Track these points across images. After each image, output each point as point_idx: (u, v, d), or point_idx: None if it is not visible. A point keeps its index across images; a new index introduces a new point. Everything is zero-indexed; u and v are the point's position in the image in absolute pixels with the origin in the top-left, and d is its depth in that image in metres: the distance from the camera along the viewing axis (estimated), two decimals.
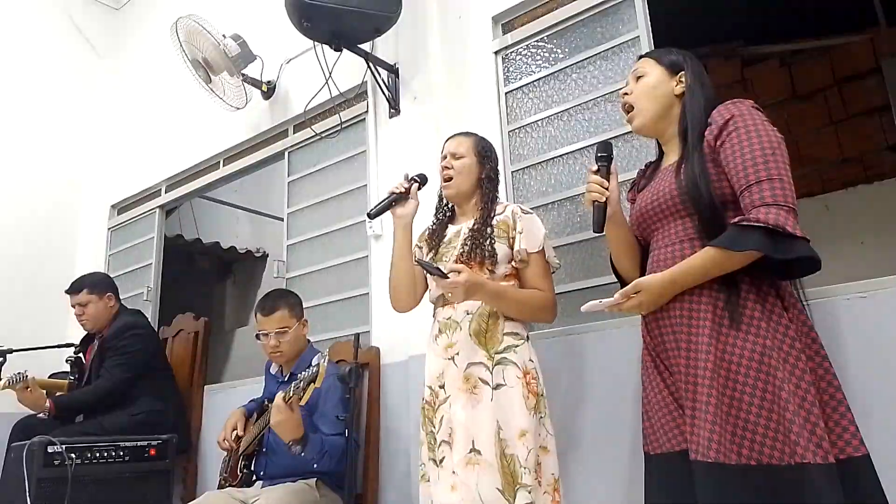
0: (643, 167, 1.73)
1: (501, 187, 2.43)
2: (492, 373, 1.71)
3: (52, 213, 4.37)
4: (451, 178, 1.92)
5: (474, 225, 1.86)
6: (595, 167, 1.55)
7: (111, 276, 4.08)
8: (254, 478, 2.33)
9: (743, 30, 4.23)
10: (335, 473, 2.12)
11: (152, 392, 3.02)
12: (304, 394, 1.90)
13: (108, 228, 4.39)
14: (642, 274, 1.53)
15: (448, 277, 1.64)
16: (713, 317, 1.34)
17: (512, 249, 1.82)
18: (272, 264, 3.35)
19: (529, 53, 2.56)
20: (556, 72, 2.46)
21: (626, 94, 1.60)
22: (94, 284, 3.19)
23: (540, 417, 1.71)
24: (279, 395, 1.95)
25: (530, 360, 1.76)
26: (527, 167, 2.47)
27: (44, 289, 4.05)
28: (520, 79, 2.56)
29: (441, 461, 1.71)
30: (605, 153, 1.56)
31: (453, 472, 1.65)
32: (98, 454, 2.66)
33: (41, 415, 2.98)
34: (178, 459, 3.00)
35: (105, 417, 2.90)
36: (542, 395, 1.74)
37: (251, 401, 2.52)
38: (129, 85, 4.56)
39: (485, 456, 1.63)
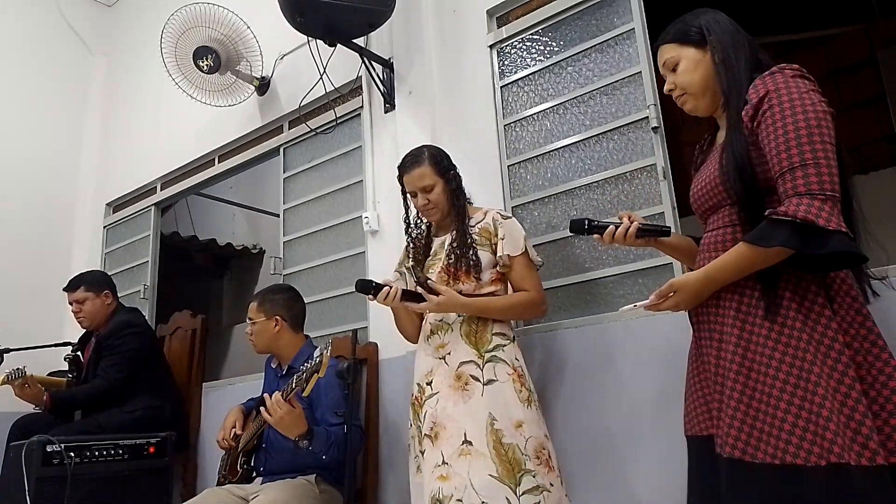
0: (701, 140, 1.59)
1: (497, 182, 2.46)
2: (482, 370, 1.79)
3: (48, 212, 4.36)
4: (432, 210, 1.98)
5: (455, 236, 1.93)
6: (595, 237, 1.55)
7: (108, 273, 4.09)
8: (253, 474, 2.33)
9: (738, 21, 4.22)
10: (335, 468, 2.12)
11: (150, 390, 3.02)
12: (307, 384, 1.90)
13: (104, 226, 4.37)
14: None
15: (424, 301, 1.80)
16: (746, 308, 1.27)
17: (495, 255, 1.90)
18: (269, 261, 3.35)
19: (524, 47, 2.55)
20: (551, 65, 2.45)
21: (670, 90, 1.50)
22: (91, 282, 3.18)
23: (536, 409, 1.79)
24: (275, 395, 1.97)
25: (516, 359, 1.84)
26: (522, 161, 2.46)
27: (40, 288, 4.04)
28: (515, 72, 2.55)
29: (423, 453, 1.78)
30: (581, 231, 1.54)
31: (445, 464, 1.69)
32: (97, 452, 2.65)
33: (37, 408, 2.99)
34: (177, 457, 3.00)
35: (103, 415, 2.90)
36: (531, 390, 1.82)
37: (249, 399, 2.52)
38: (123, 82, 4.54)
39: (476, 446, 1.68)
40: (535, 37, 2.53)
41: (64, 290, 3.20)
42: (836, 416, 1.13)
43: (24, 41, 4.43)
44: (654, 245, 1.58)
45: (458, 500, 1.63)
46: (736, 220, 1.34)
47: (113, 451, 2.70)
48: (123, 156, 4.38)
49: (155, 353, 3.20)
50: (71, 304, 3.18)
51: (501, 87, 2.57)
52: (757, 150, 1.29)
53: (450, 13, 2.75)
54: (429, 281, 1.85)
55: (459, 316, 1.88)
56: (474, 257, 1.88)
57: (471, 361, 1.81)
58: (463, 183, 2.05)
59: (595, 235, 1.54)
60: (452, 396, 1.77)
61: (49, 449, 2.53)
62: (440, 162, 1.99)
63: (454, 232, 1.94)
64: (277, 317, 2.36)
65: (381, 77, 2.83)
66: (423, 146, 2.06)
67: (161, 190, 4.09)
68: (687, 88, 1.46)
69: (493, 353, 1.81)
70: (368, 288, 1.87)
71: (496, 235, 1.92)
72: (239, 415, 2.43)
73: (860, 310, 1.25)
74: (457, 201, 1.98)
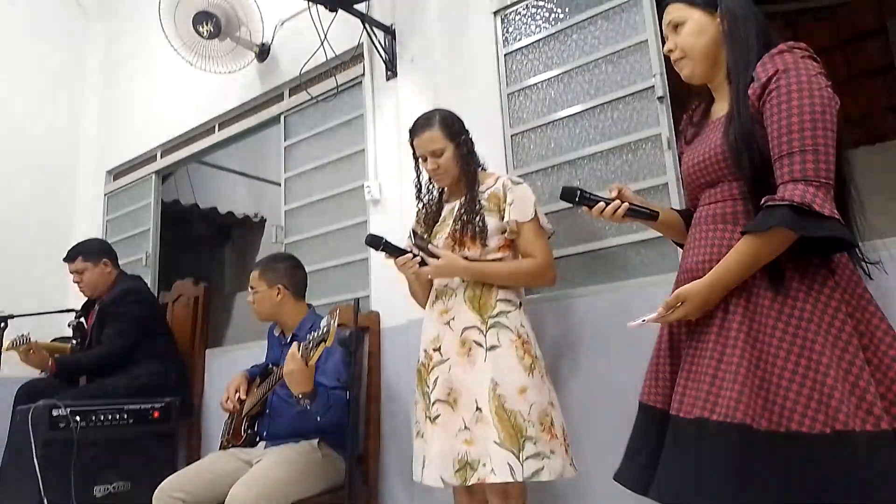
0: (690, 111, 1.58)
1: (500, 151, 2.44)
2: (485, 335, 1.78)
3: (49, 179, 4.35)
4: (442, 175, 1.96)
5: (464, 201, 1.91)
6: (583, 209, 1.55)
7: (109, 241, 4.09)
8: (257, 439, 2.37)
9: None
10: (337, 433, 2.15)
11: (153, 356, 3.04)
12: (313, 353, 1.91)
13: (105, 194, 4.37)
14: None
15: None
16: (751, 280, 1.27)
17: (503, 221, 1.87)
18: (270, 229, 3.35)
19: (529, 13, 2.51)
20: (556, 32, 2.42)
21: (670, 50, 1.46)
22: (88, 251, 3.18)
23: (541, 376, 1.77)
24: (294, 346, 1.96)
25: (522, 325, 1.82)
26: (526, 130, 2.44)
27: (43, 255, 4.05)
28: (519, 40, 2.51)
29: (435, 419, 1.78)
30: (571, 199, 1.54)
31: (467, 428, 1.72)
32: (102, 417, 2.69)
33: (42, 373, 3.02)
34: (182, 422, 3.04)
35: (107, 381, 2.93)
36: (537, 357, 1.80)
37: (253, 366, 2.55)
38: (122, 48, 4.49)
39: (485, 413, 1.70)
40: (541, 3, 2.48)
41: (63, 260, 3.21)
42: (841, 383, 1.15)
43: (22, 8, 4.37)
44: (640, 222, 1.59)
45: (484, 464, 1.67)
46: (737, 194, 1.34)
47: (118, 416, 2.74)
48: (123, 123, 4.35)
49: (158, 319, 3.23)
50: (71, 274, 3.20)
51: (505, 55, 2.53)
52: (762, 128, 1.29)
53: None
54: (429, 245, 1.84)
55: (464, 281, 1.86)
56: (480, 223, 1.85)
57: (474, 327, 1.80)
58: (475, 148, 2.02)
59: (584, 208, 1.55)
60: (461, 363, 1.79)
61: (55, 413, 2.57)
62: (451, 126, 1.96)
63: (464, 198, 1.92)
64: (280, 285, 2.37)
65: (383, 44, 2.80)
66: (436, 109, 2.02)
67: (161, 158, 4.07)
68: (688, 52, 1.43)
69: (496, 319, 1.80)
70: (378, 243, 1.85)
71: (505, 201, 1.89)
72: (243, 380, 2.46)
73: (859, 282, 1.27)
74: (467, 167, 1.95)
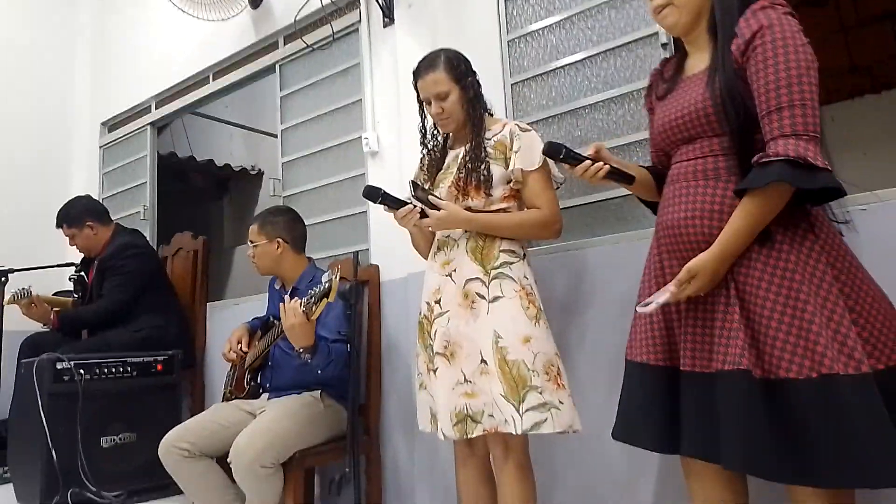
0: (658, 67, 1.61)
1: (500, 101, 2.39)
2: (488, 287, 1.74)
3: (44, 132, 4.31)
4: (446, 120, 1.88)
5: (469, 148, 1.83)
6: (568, 166, 1.55)
7: (106, 195, 4.07)
8: (260, 390, 2.40)
9: None
10: (339, 385, 2.18)
11: (154, 309, 3.06)
12: (315, 308, 1.91)
13: (100, 146, 4.31)
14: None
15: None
16: None
17: (508, 170, 1.80)
18: (268, 182, 3.31)
19: None
20: None
21: None
22: (72, 218, 3.15)
23: (546, 326, 1.73)
24: (295, 300, 1.96)
25: (525, 276, 1.77)
26: (527, 79, 2.39)
27: (41, 210, 3.99)
28: None
29: (436, 371, 1.75)
30: (556, 156, 1.55)
31: (468, 381, 1.69)
32: (106, 370, 2.72)
33: (45, 327, 3.05)
34: (185, 374, 3.08)
35: (110, 334, 2.96)
36: (541, 308, 1.75)
37: (254, 318, 2.56)
38: None
39: (490, 365, 1.67)
40: None
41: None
42: (825, 330, 1.20)
43: None
44: (616, 184, 1.60)
45: (490, 415, 1.65)
46: (718, 150, 1.35)
47: (122, 369, 2.76)
48: (116, 74, 4.26)
49: (157, 273, 3.23)
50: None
51: (506, 1, 2.46)
52: (744, 83, 1.30)
53: None
54: (430, 196, 1.77)
55: (466, 232, 1.81)
56: (485, 172, 1.78)
57: (476, 279, 1.75)
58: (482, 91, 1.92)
59: (566, 165, 1.55)
60: (463, 315, 1.74)
61: (59, 366, 2.59)
62: (457, 67, 1.85)
63: (468, 144, 1.84)
64: (279, 239, 2.36)
65: None
66: (441, 49, 1.92)
67: (156, 109, 4.00)
68: (676, 1, 1.41)
69: (499, 270, 1.75)
70: (375, 195, 1.80)
71: (511, 149, 1.80)
72: (245, 332, 2.47)
73: (837, 233, 1.33)
74: (473, 111, 1.85)
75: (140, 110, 4.10)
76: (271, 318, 2.42)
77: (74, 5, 4.53)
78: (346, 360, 2.08)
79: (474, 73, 1.91)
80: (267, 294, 2.58)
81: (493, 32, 2.45)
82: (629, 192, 1.74)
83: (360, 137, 2.78)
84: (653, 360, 1.43)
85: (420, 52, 2.46)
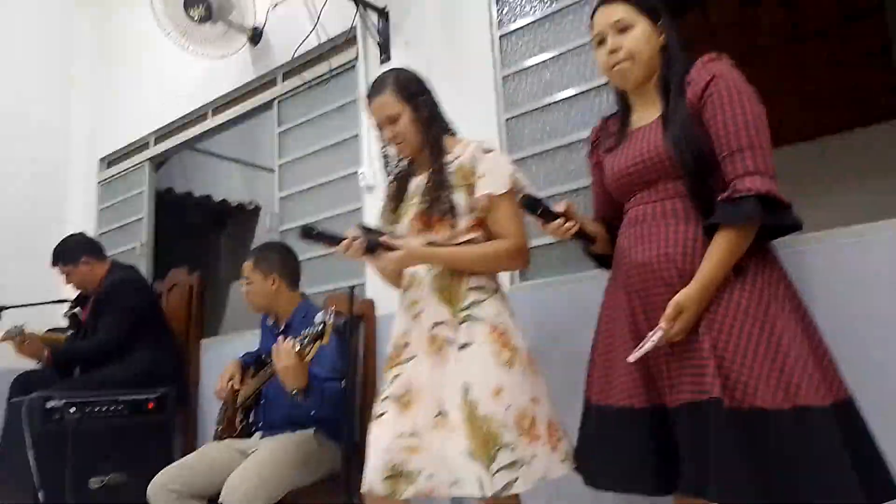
0: (600, 123, 1.65)
1: (495, 135, 2.41)
2: (457, 332, 1.60)
3: (41, 167, 4.33)
4: (401, 144, 1.75)
5: (429, 175, 1.70)
6: (542, 222, 1.53)
7: (103, 230, 4.07)
8: (252, 429, 2.36)
9: None
10: (333, 423, 2.14)
11: (148, 345, 3.03)
12: (310, 349, 1.87)
13: (98, 182, 4.32)
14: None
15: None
16: None
17: (474, 197, 1.66)
18: (265, 216, 3.32)
19: None
20: (551, 13, 2.38)
21: (613, 50, 1.46)
22: (66, 255, 3.13)
23: (522, 369, 1.58)
24: (289, 341, 1.91)
25: (499, 314, 1.63)
26: (521, 114, 2.41)
27: (37, 245, 3.98)
28: (514, 21, 2.47)
29: (381, 416, 1.60)
30: (532, 210, 1.51)
31: (414, 435, 1.54)
32: (97, 408, 2.67)
33: (39, 364, 3.01)
34: (177, 412, 3.03)
35: (102, 371, 2.91)
36: (517, 348, 1.61)
37: (246, 353, 2.53)
38: (112, 33, 4.42)
39: (451, 419, 1.53)
40: None
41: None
42: (799, 360, 1.23)
43: None
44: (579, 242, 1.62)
45: (430, 475, 1.50)
46: (682, 192, 1.39)
47: (113, 407, 2.72)
48: (116, 109, 4.30)
49: (152, 308, 3.20)
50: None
51: (500, 38, 2.49)
52: (700, 128, 1.35)
53: None
54: (381, 238, 1.63)
55: (431, 269, 1.66)
56: (449, 201, 1.64)
57: (444, 322, 1.61)
58: (441, 110, 1.79)
59: (540, 221, 1.54)
60: (427, 361, 1.60)
61: (49, 405, 2.55)
62: (405, 87, 1.72)
63: (429, 171, 1.70)
64: (274, 275, 2.35)
65: (377, 26, 2.75)
66: (391, 69, 1.80)
67: (154, 145, 4.02)
68: (636, 56, 1.45)
69: (468, 312, 1.60)
70: (310, 234, 1.66)
71: (475, 174, 1.66)
72: (236, 369, 2.44)
73: (787, 273, 1.38)
74: (428, 132, 1.71)
75: (139, 146, 4.12)
76: (263, 356, 2.39)
77: (74, 41, 4.58)
78: (339, 398, 2.04)
79: (428, 91, 1.78)
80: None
81: (489, 68, 2.48)
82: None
83: (357, 172, 2.79)
84: (637, 403, 1.40)
85: None
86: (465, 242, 1.67)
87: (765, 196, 1.25)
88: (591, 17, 1.52)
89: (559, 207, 1.52)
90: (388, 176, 1.87)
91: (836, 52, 4.31)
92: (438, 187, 1.66)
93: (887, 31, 4.06)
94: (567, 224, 1.51)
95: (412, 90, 1.73)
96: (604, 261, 1.63)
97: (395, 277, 1.81)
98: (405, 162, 1.84)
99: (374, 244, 1.63)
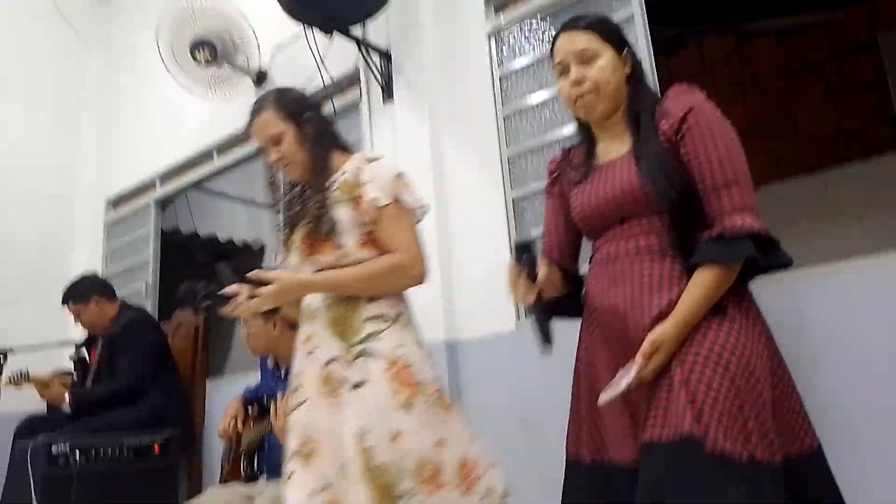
0: (561, 156, 1.54)
1: (498, 173, 2.43)
2: (350, 369, 1.46)
3: (48, 209, 4.33)
4: (288, 166, 1.63)
5: (311, 195, 1.59)
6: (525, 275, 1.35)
7: (109, 272, 4.07)
8: (258, 473, 2.33)
9: (734, 5, 4.19)
10: None
11: (159, 386, 3.00)
12: None
13: (105, 224, 4.35)
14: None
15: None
16: None
17: (360, 210, 1.52)
18: (270, 256, 3.33)
19: (523, 34, 2.53)
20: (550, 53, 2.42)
21: (578, 81, 1.37)
22: (77, 294, 3.13)
23: (426, 408, 1.45)
24: (285, 403, 1.85)
25: (400, 346, 1.48)
26: (523, 152, 2.44)
27: (43, 287, 4.01)
28: (513, 60, 2.53)
29: (290, 476, 1.46)
30: (519, 258, 1.35)
31: (329, 486, 1.42)
32: (102, 453, 2.65)
33: (63, 406, 2.96)
34: (183, 455, 3.00)
35: (111, 412, 2.88)
36: (421, 383, 1.47)
37: (248, 389, 2.50)
38: (119, 76, 4.51)
39: (351, 468, 1.41)
40: (534, 23, 2.50)
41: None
42: (765, 411, 1.17)
43: (18, 36, 4.39)
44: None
45: None
46: (657, 228, 1.30)
47: (118, 452, 2.69)
48: (122, 151, 4.36)
49: (165, 349, 3.20)
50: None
51: (500, 77, 2.54)
52: (676, 161, 1.29)
53: (447, 0, 2.72)
54: (247, 275, 1.51)
55: (326, 298, 1.52)
56: (330, 220, 1.51)
57: (337, 359, 1.48)
58: (332, 128, 1.69)
59: (524, 273, 1.35)
60: (322, 404, 1.47)
61: (54, 449, 2.53)
62: (288, 104, 1.60)
63: (315, 191, 1.57)
64: (276, 319, 2.34)
65: (380, 68, 2.81)
66: (273, 88, 1.68)
67: (160, 186, 4.07)
68: (602, 87, 1.37)
69: (363, 346, 1.46)
70: (194, 296, 1.53)
71: (359, 184, 1.52)
72: (240, 408, 2.41)
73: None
74: (313, 150, 1.59)
75: (145, 187, 4.16)
76: (265, 397, 2.37)
77: (80, 83, 4.65)
78: None
79: (315, 107, 1.68)
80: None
81: (490, 108, 2.52)
82: None
83: None
84: (629, 460, 1.26)
85: (418, 126, 2.55)
86: (356, 263, 1.52)
87: (757, 234, 1.20)
88: (553, 42, 1.43)
89: (542, 268, 1.35)
90: (277, 203, 1.74)
91: (832, 86, 4.36)
92: (321, 206, 1.54)
93: (883, 65, 4.12)
94: (539, 290, 1.34)
95: (294, 108, 1.61)
96: (560, 306, 1.46)
97: (293, 309, 1.66)
98: (297, 187, 1.70)
99: (247, 281, 1.48)
